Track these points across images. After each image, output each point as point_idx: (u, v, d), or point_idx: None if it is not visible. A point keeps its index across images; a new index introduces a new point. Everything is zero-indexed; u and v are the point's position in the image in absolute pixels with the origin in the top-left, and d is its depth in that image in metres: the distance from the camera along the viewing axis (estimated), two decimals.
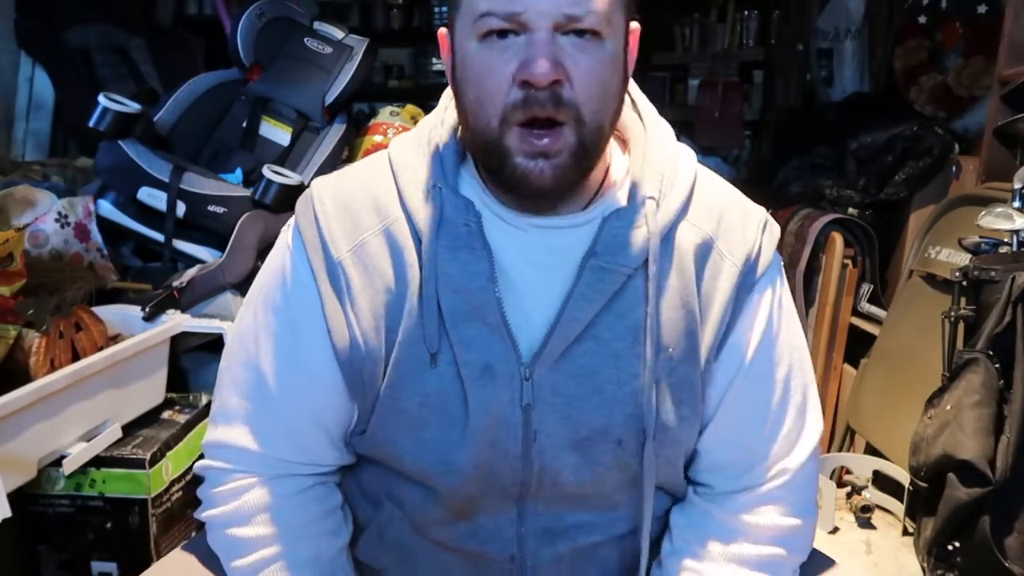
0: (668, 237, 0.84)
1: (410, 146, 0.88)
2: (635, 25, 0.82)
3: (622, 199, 0.84)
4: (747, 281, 0.86)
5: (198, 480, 0.93)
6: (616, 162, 0.88)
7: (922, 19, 2.51)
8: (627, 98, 0.87)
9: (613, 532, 0.91)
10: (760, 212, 0.91)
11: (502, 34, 0.75)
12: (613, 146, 0.88)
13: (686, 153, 0.90)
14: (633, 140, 0.88)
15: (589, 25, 0.74)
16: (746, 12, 3.99)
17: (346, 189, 0.87)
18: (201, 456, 0.94)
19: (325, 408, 0.87)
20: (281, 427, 0.88)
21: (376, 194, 0.86)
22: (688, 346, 0.84)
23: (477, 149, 0.82)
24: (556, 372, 0.82)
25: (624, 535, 0.91)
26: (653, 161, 0.86)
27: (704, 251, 0.85)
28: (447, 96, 0.90)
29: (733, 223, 0.87)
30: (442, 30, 0.83)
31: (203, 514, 0.91)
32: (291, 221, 0.90)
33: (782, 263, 0.92)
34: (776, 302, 0.89)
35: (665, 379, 0.84)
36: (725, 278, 0.85)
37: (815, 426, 0.91)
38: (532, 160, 0.77)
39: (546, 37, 0.73)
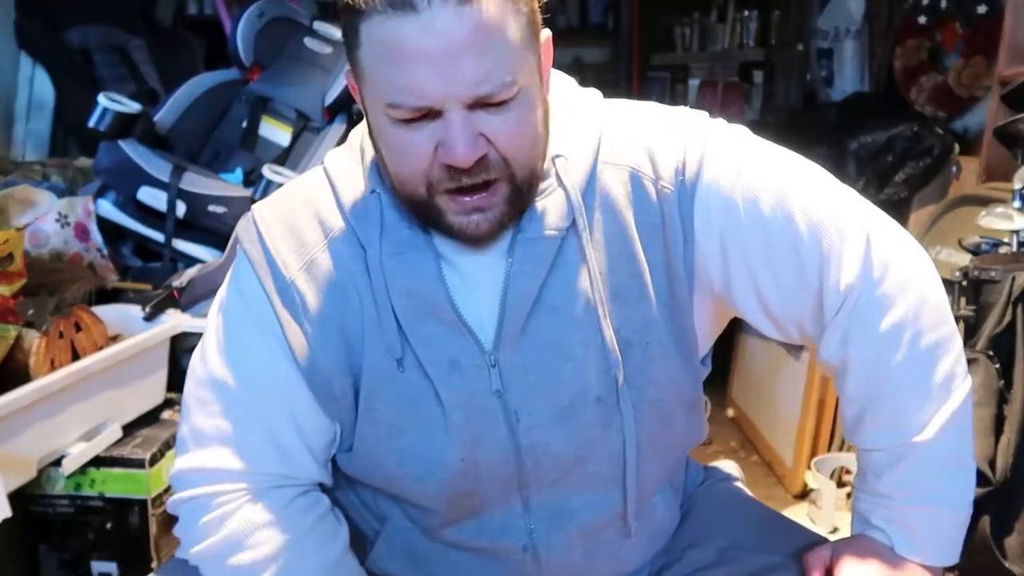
0: (591, 187, 0.82)
1: (344, 156, 0.88)
2: (546, 34, 0.79)
3: None
4: (687, 190, 0.82)
5: None
6: None
7: (922, 19, 2.50)
8: None
9: (620, 510, 0.90)
10: (677, 114, 0.87)
11: (413, 119, 0.72)
12: None
13: (589, 98, 0.88)
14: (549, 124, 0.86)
15: (501, 98, 0.72)
16: (746, 12, 3.99)
17: (287, 207, 0.87)
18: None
19: (304, 421, 0.87)
20: (260, 438, 0.86)
21: (318, 208, 0.85)
22: (639, 288, 0.83)
23: (406, 204, 0.80)
24: (521, 351, 0.82)
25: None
26: (555, 123, 0.84)
27: (634, 187, 0.83)
28: None
29: (653, 143, 0.84)
30: (349, 74, 0.78)
31: (192, 550, 0.86)
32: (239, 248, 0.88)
33: (719, 124, 0.86)
34: (729, 171, 0.82)
35: (625, 325, 0.83)
36: (665, 203, 0.82)
37: (848, 206, 0.84)
38: (466, 216, 0.76)
39: (461, 117, 0.71)
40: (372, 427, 0.85)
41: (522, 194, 0.77)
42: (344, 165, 0.87)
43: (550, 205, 0.80)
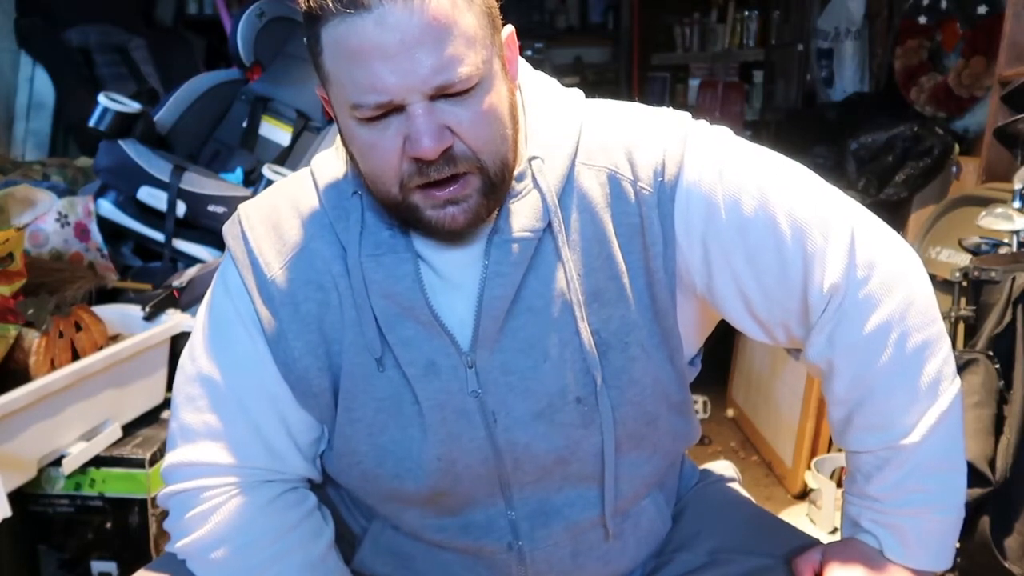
0: (568, 189, 0.82)
1: (331, 158, 0.88)
2: (508, 30, 0.80)
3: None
4: (666, 191, 0.82)
5: None
6: None
7: (922, 19, 2.50)
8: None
9: (603, 507, 0.90)
10: (659, 115, 0.87)
11: (378, 117, 0.73)
12: None
13: (570, 99, 0.87)
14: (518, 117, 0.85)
15: (461, 87, 0.72)
16: (746, 12, 4.01)
17: (271, 206, 0.88)
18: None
19: (290, 417, 0.87)
20: (247, 433, 0.86)
21: (301, 208, 0.87)
22: (617, 289, 0.83)
23: (383, 206, 0.81)
24: (500, 352, 0.83)
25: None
26: (533, 124, 0.84)
27: (611, 188, 0.83)
28: None
29: (632, 144, 0.83)
30: (319, 89, 0.80)
31: (177, 545, 0.87)
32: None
33: (700, 125, 0.86)
34: (709, 173, 0.82)
35: (604, 326, 0.83)
36: (643, 204, 0.82)
37: (832, 206, 0.83)
38: (442, 210, 0.76)
39: (423, 109, 0.72)
40: (351, 425, 0.86)
41: (495, 186, 0.77)
42: (329, 166, 0.88)
43: (526, 207, 0.81)
